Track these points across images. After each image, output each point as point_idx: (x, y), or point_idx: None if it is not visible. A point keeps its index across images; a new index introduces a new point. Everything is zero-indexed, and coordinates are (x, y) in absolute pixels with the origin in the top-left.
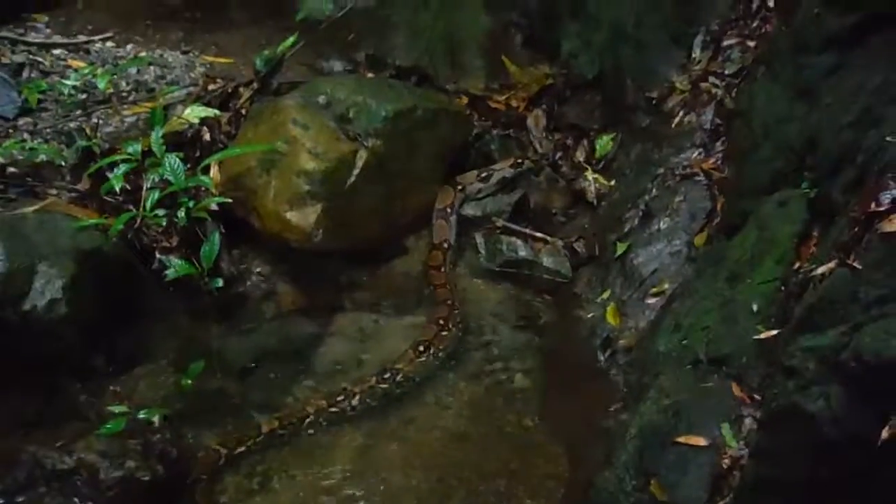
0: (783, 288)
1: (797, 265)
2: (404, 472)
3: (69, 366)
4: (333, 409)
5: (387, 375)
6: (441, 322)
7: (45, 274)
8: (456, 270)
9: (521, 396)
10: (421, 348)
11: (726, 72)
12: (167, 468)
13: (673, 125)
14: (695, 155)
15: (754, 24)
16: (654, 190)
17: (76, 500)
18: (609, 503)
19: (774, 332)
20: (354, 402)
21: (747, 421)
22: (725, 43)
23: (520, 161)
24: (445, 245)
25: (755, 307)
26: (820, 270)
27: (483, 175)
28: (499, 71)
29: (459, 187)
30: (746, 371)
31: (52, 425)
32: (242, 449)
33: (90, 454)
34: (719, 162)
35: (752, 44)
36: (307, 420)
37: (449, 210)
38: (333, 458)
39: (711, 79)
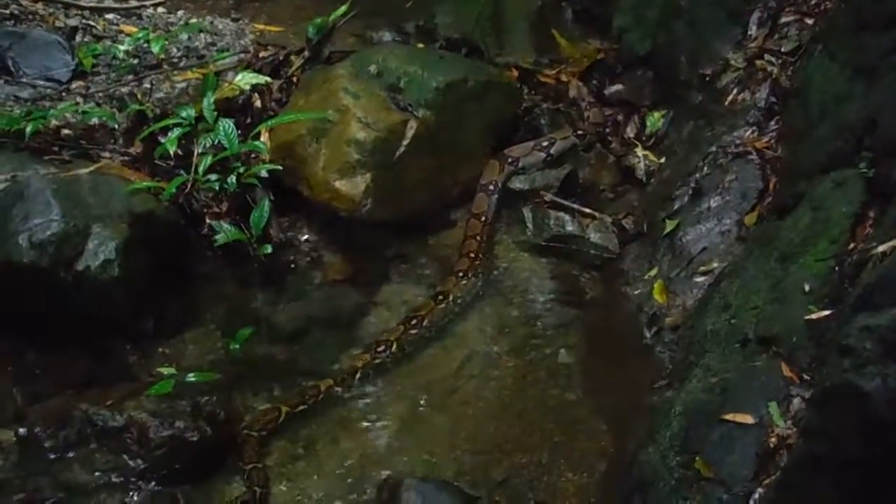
0: (837, 269)
1: (852, 246)
2: (447, 443)
3: (120, 327)
4: (377, 361)
5: (413, 322)
6: (460, 273)
7: (98, 235)
8: (492, 242)
9: (565, 371)
10: (440, 297)
11: (783, 49)
12: (215, 429)
13: (726, 103)
14: (748, 133)
15: (813, 1)
16: (704, 168)
17: (126, 457)
18: (652, 479)
19: (827, 312)
20: (394, 349)
21: (796, 401)
22: (783, 20)
23: (580, 133)
24: (483, 218)
25: (807, 287)
26: (880, 249)
27: (544, 144)
28: (549, 45)
29: (509, 160)
30: (796, 351)
31: (102, 385)
32: (303, 408)
33: (140, 413)
34: (773, 141)
35: (810, 21)
36: (357, 374)
37: (492, 187)
38: (377, 428)
39: (767, 56)
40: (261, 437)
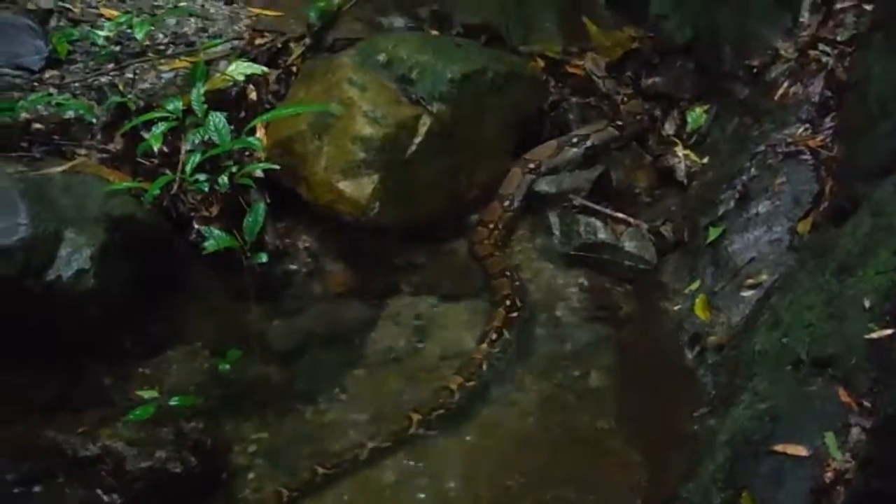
0: None
1: None
2: (464, 477)
3: (95, 345)
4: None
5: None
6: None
7: (71, 241)
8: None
9: (596, 396)
10: (494, 336)
11: (838, 38)
12: (201, 460)
13: (776, 97)
14: (800, 131)
15: None
16: (752, 169)
17: (99, 491)
18: None
19: (889, 331)
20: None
21: (855, 430)
22: (838, 5)
23: (619, 124)
24: (491, 226)
25: (867, 303)
26: None
27: (574, 140)
28: (578, 33)
29: (531, 165)
30: (855, 374)
31: (74, 409)
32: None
33: (116, 442)
34: (828, 139)
35: (868, 7)
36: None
37: (509, 201)
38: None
39: (821, 46)
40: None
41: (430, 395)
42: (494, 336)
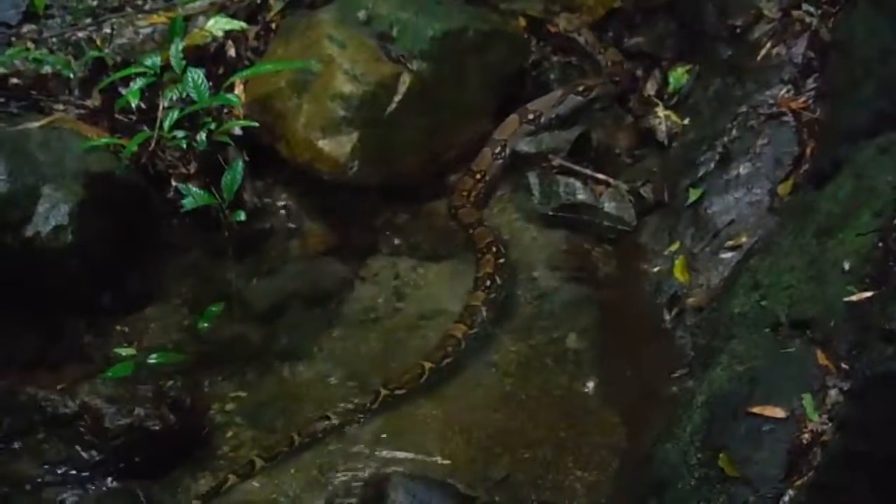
0: (881, 244)
1: None
2: (440, 437)
3: (73, 302)
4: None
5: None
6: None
7: (49, 197)
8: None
9: (574, 357)
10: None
11: None
12: (180, 418)
13: (758, 58)
14: (782, 92)
15: None
16: (734, 131)
17: (78, 448)
18: (670, 478)
19: (869, 294)
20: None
21: (833, 392)
22: None
23: (616, 79)
24: (478, 176)
25: (847, 266)
26: None
27: (580, 89)
28: None
29: (531, 115)
30: (834, 336)
31: (53, 366)
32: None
33: (95, 399)
34: (811, 101)
35: None
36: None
37: (501, 148)
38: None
39: (805, 6)
40: None
41: (436, 343)
42: (488, 283)
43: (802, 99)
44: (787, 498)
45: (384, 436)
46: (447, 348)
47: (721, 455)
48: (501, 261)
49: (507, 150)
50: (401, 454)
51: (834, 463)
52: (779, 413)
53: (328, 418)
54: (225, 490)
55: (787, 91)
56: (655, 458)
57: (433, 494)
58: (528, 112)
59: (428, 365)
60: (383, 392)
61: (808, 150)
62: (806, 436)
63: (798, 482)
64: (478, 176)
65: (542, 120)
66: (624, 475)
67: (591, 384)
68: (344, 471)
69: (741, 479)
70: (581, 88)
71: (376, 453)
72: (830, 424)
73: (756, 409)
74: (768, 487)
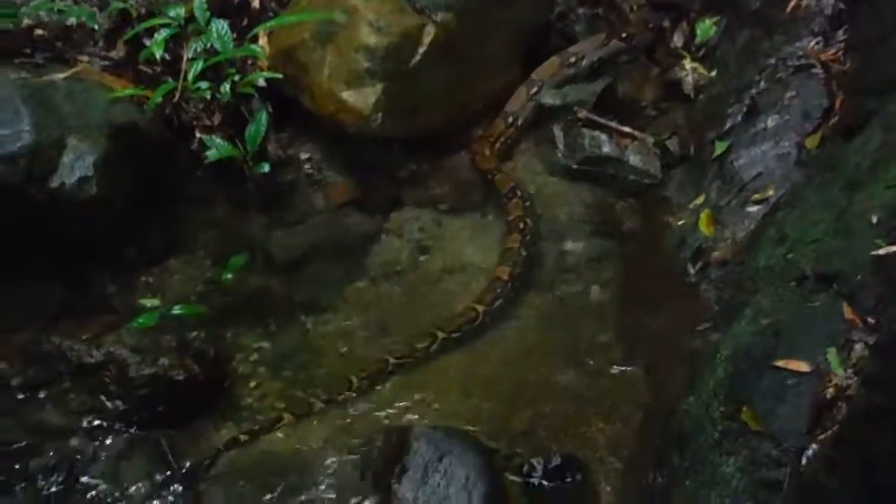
0: None
1: None
2: (462, 390)
3: (98, 253)
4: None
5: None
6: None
7: (75, 148)
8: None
9: (598, 311)
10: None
11: None
12: (203, 368)
13: (787, 9)
14: (812, 44)
15: None
16: (761, 83)
17: (103, 397)
18: (693, 431)
19: None
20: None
21: (858, 346)
22: None
23: (650, 27)
24: (510, 119)
25: (875, 219)
26: None
27: (624, 35)
28: None
29: (572, 58)
30: (860, 290)
31: (78, 317)
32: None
33: (120, 349)
34: (840, 53)
35: None
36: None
37: (538, 89)
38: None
39: None
40: None
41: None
42: (521, 225)
43: (832, 51)
44: (810, 452)
45: (408, 388)
46: (497, 290)
47: (744, 409)
48: (528, 204)
49: (544, 90)
50: (423, 405)
51: (858, 417)
52: (803, 367)
53: (386, 362)
54: (279, 427)
55: (817, 43)
56: (678, 412)
57: (455, 445)
58: (570, 55)
59: (481, 308)
60: (441, 335)
61: (837, 103)
62: (830, 390)
63: (821, 436)
64: (509, 119)
65: (584, 63)
66: (646, 428)
67: (614, 337)
68: (367, 422)
69: (764, 432)
70: (624, 35)
71: (399, 404)
72: (855, 379)
73: (780, 363)
74: (791, 441)
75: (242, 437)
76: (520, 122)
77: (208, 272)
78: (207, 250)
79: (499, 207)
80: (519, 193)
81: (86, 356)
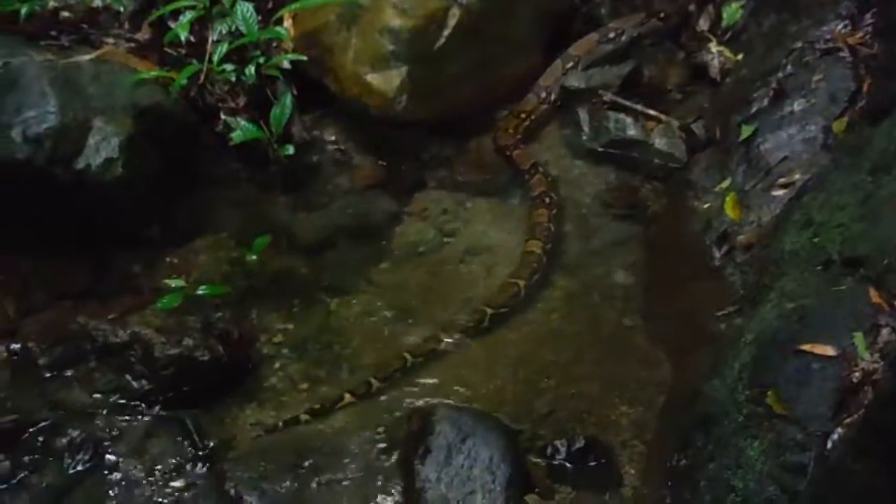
0: None
1: None
2: (486, 371)
3: (123, 234)
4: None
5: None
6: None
7: (100, 130)
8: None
9: (622, 293)
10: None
11: None
12: (228, 349)
13: None
14: (839, 27)
15: None
16: (788, 66)
17: (128, 377)
18: (717, 414)
19: None
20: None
21: (885, 331)
22: None
23: (663, 16)
24: (543, 94)
25: None
26: None
27: (662, 15)
28: None
29: (611, 34)
30: (887, 275)
31: (103, 297)
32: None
33: (145, 329)
34: (868, 36)
35: None
36: None
37: (574, 63)
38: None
39: None
40: None
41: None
42: (547, 199)
43: (859, 34)
44: (835, 436)
45: (431, 369)
46: (532, 265)
47: (769, 392)
48: (550, 179)
49: (580, 67)
50: (447, 386)
51: (884, 402)
52: (829, 351)
53: (438, 340)
54: (340, 407)
55: (844, 26)
56: (702, 395)
57: (478, 426)
58: (610, 30)
59: (522, 283)
60: (489, 311)
61: (865, 87)
62: (856, 374)
63: (847, 421)
64: (542, 95)
65: (624, 38)
66: (670, 411)
67: (638, 320)
68: (391, 403)
69: (789, 416)
70: (662, 14)
71: (423, 384)
72: (882, 363)
73: (806, 347)
74: (816, 426)
75: (304, 417)
76: (552, 97)
77: (233, 253)
78: (232, 232)
79: (522, 188)
80: (541, 169)
81: (111, 336)
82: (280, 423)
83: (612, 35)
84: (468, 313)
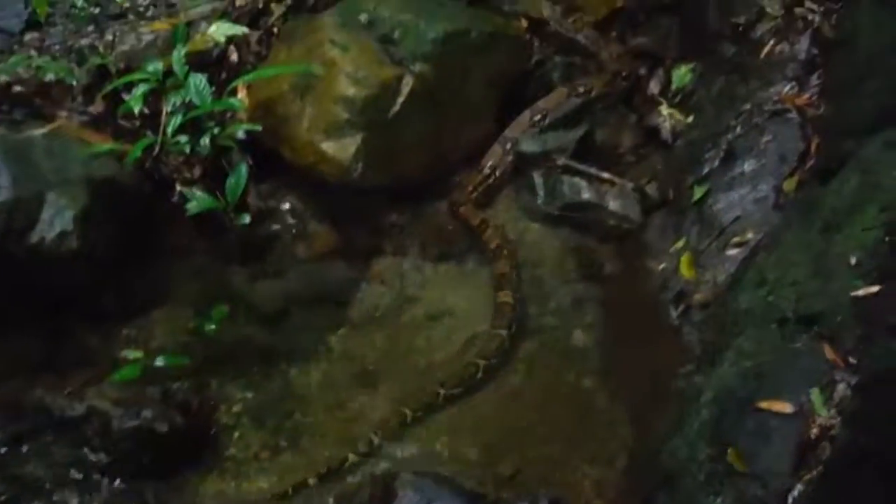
0: (887, 239)
1: None
2: (448, 434)
3: (79, 307)
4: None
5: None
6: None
7: (54, 204)
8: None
9: (581, 354)
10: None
11: None
12: (187, 419)
13: (762, 55)
14: (787, 89)
15: None
16: (738, 128)
17: (86, 450)
18: (679, 473)
19: (875, 288)
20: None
21: (840, 386)
22: None
23: (625, 75)
24: (509, 146)
25: (854, 260)
26: None
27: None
28: None
29: (581, 88)
30: (841, 331)
31: (60, 370)
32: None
33: (102, 402)
34: (815, 98)
35: None
36: None
37: (510, 145)
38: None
39: (807, 3)
40: None
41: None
42: (504, 251)
43: (807, 95)
44: (795, 492)
45: (392, 433)
46: (507, 315)
47: (729, 450)
48: (502, 231)
49: (548, 119)
50: (408, 452)
51: (842, 457)
52: (787, 408)
53: (437, 394)
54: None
55: (791, 88)
56: (664, 454)
57: (442, 492)
58: (578, 85)
59: (504, 333)
60: (482, 363)
61: (813, 147)
62: (814, 430)
63: (806, 476)
64: (508, 146)
65: (548, 120)
66: (632, 471)
67: (598, 381)
68: (351, 468)
69: (750, 473)
70: (582, 90)
71: (383, 450)
72: (839, 419)
73: (764, 405)
74: (777, 482)
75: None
76: (497, 173)
77: (191, 323)
78: (190, 301)
79: (479, 252)
80: (491, 224)
81: (68, 409)
82: (289, 490)
83: (581, 90)
84: (462, 366)
